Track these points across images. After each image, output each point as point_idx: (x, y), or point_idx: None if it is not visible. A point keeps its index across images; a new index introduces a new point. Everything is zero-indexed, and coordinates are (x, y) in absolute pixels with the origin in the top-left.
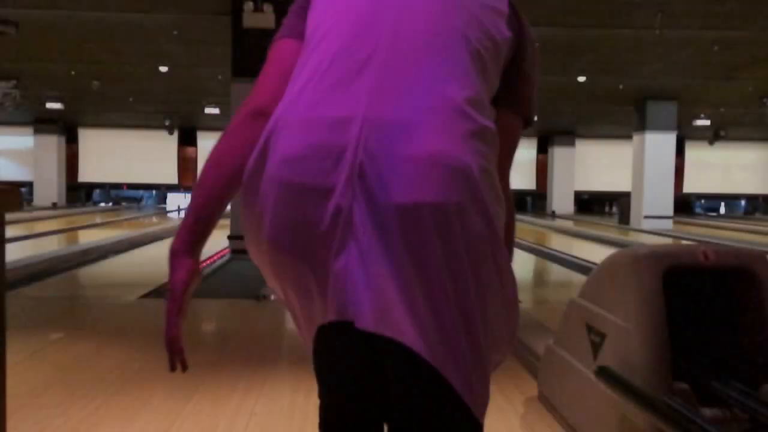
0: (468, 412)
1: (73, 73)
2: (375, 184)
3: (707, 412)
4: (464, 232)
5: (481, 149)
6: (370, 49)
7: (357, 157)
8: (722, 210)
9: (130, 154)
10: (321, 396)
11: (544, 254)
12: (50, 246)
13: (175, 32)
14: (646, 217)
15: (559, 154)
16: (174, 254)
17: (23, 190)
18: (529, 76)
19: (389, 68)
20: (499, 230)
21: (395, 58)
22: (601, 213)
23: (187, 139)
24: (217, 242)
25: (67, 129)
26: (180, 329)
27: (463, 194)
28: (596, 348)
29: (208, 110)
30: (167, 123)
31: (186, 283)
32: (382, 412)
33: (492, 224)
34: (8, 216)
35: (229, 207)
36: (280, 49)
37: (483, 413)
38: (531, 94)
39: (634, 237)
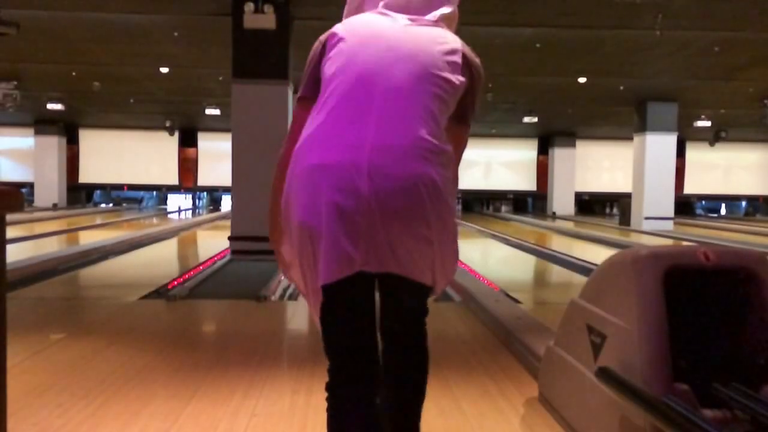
0: (428, 292)
1: (74, 74)
2: (381, 190)
3: (708, 413)
4: (435, 218)
5: (442, 164)
6: (370, 99)
7: (370, 170)
8: (723, 211)
9: (131, 155)
10: (332, 345)
11: (544, 255)
12: (51, 247)
13: (176, 33)
14: (647, 218)
15: (559, 155)
16: (273, 229)
17: (24, 191)
18: (476, 101)
19: (384, 114)
20: (455, 215)
21: (388, 106)
22: (602, 214)
23: (188, 141)
24: (218, 243)
25: (67, 130)
26: (285, 265)
27: (432, 197)
28: (597, 349)
29: (209, 111)
30: (168, 124)
31: (280, 246)
32: (372, 329)
33: (451, 213)
34: (9, 217)
35: (229, 210)
36: (302, 115)
37: (439, 291)
38: (475, 110)
39: (634, 238)
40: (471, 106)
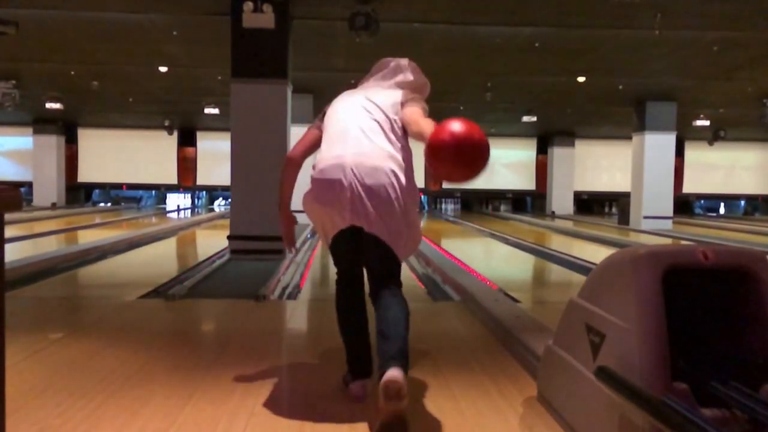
0: (395, 256)
1: (72, 73)
2: (359, 177)
3: (707, 412)
4: (393, 196)
5: (398, 163)
6: (347, 134)
7: (352, 168)
8: (722, 210)
9: (130, 155)
10: (336, 264)
11: (543, 254)
12: (49, 246)
13: (175, 32)
14: (646, 217)
15: (558, 154)
16: (280, 213)
17: (23, 190)
18: (418, 102)
19: (357, 140)
20: (408, 195)
21: (359, 134)
22: (601, 213)
23: (187, 140)
24: (216, 243)
25: (66, 129)
26: (293, 244)
27: (391, 181)
28: (596, 348)
29: (208, 110)
30: (167, 123)
31: (288, 225)
32: (359, 262)
33: (404, 193)
34: (8, 216)
35: (228, 209)
36: (311, 134)
37: (402, 258)
38: (421, 104)
39: (633, 237)
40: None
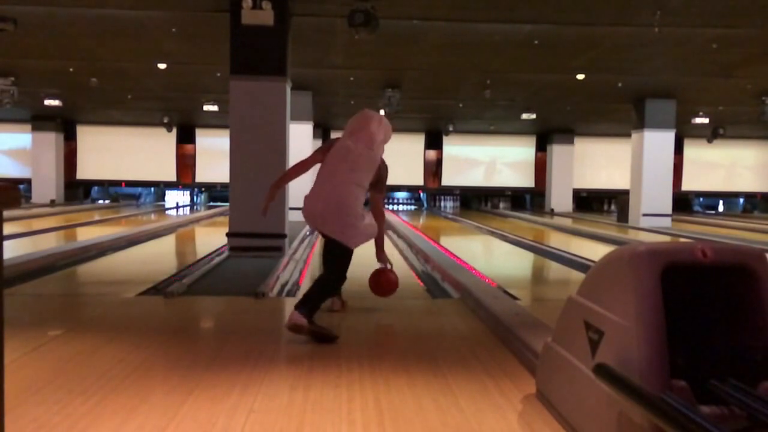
0: (346, 247)
1: (71, 70)
2: (325, 205)
3: (705, 409)
4: (345, 216)
5: (356, 198)
6: (326, 180)
7: (323, 199)
8: (721, 208)
9: (129, 152)
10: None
11: (542, 252)
12: (48, 243)
13: (174, 29)
14: (645, 215)
15: (557, 152)
16: (271, 189)
17: (22, 187)
18: (384, 182)
19: (334, 184)
20: (356, 216)
21: (338, 180)
22: (600, 211)
23: (186, 137)
24: (216, 240)
25: (65, 126)
26: (263, 213)
27: (342, 211)
28: (594, 345)
29: (207, 107)
30: (166, 120)
31: (270, 199)
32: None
33: (353, 214)
34: (7, 213)
35: (228, 206)
36: (315, 159)
37: (353, 246)
38: (385, 186)
39: (632, 235)
40: (382, 183)
